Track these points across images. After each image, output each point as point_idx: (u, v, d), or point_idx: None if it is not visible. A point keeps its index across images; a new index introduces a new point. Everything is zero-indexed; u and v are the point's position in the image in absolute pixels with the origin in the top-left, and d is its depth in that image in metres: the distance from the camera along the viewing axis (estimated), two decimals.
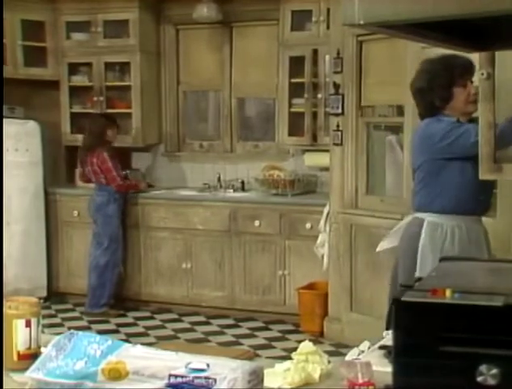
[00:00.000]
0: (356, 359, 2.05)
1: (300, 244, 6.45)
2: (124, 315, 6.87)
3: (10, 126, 7.17)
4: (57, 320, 6.67)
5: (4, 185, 7.02)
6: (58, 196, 7.41)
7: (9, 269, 6.94)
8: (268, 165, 7.05)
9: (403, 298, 1.48)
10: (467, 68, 3.65)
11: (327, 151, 6.21)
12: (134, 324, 6.63)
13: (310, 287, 6.29)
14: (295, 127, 6.84)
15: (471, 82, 3.70)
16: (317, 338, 5.97)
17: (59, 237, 7.42)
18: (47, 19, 7.41)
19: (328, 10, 6.26)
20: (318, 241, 6.14)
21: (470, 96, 3.68)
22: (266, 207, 6.53)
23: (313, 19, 6.56)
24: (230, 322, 6.60)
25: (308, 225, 6.40)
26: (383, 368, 1.86)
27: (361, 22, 1.66)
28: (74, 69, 7.55)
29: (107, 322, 6.66)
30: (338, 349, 5.68)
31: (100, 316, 6.73)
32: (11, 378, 1.97)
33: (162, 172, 7.71)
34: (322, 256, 6.13)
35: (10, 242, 7.12)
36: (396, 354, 1.50)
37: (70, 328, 6.08)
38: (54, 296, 7.29)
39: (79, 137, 7.33)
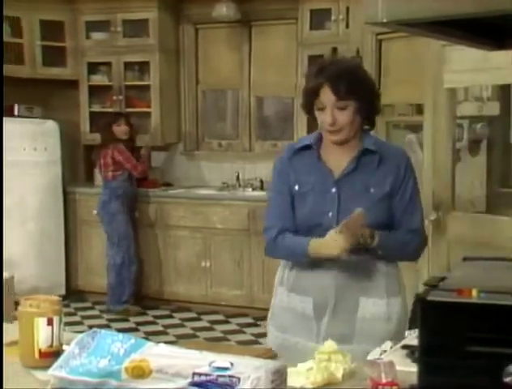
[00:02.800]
0: (378, 359, 2.03)
1: None
2: (143, 314, 6.89)
3: (28, 126, 7.20)
4: (76, 318, 6.70)
5: (19, 184, 7.07)
6: (77, 195, 7.44)
7: (26, 267, 6.97)
8: None
9: (428, 298, 1.47)
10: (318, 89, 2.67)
11: None
12: (154, 323, 6.64)
13: None
14: (313, 126, 6.78)
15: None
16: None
17: (77, 235, 7.45)
18: (66, 19, 7.44)
19: (347, 8, 6.25)
20: None
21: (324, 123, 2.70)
22: None
23: (333, 17, 6.54)
24: (249, 320, 6.61)
25: None
26: (406, 368, 1.85)
27: (384, 20, 1.66)
28: (93, 68, 7.58)
29: (126, 320, 6.68)
30: None
31: (121, 314, 6.75)
32: (33, 376, 1.97)
33: (181, 171, 7.73)
34: None
35: (27, 241, 7.16)
36: (422, 354, 1.49)
37: (89, 326, 6.11)
38: (73, 294, 7.32)
39: (98, 136, 7.35)
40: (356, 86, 2.66)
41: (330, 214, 2.67)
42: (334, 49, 6.57)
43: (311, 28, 6.70)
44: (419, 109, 5.58)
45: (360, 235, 2.58)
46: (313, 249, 2.64)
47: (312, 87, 2.69)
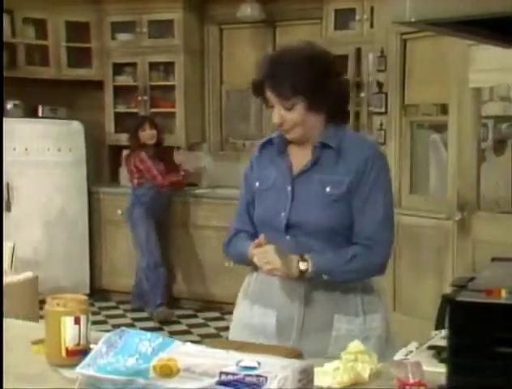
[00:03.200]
0: (404, 359, 2.03)
1: None
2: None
3: (52, 127, 7.25)
4: (100, 317, 6.73)
5: (44, 185, 7.12)
6: (102, 195, 7.48)
7: (51, 267, 7.02)
8: None
9: (457, 298, 1.46)
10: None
11: None
12: (177, 322, 6.66)
13: None
14: None
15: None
16: None
17: (102, 235, 7.49)
18: (92, 20, 7.49)
19: (372, 8, 6.23)
20: None
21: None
22: None
23: (357, 17, 6.53)
24: None
25: None
26: (433, 368, 1.85)
27: (412, 19, 1.65)
28: (118, 69, 7.61)
29: (150, 319, 6.69)
30: None
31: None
32: (60, 374, 1.99)
33: (205, 171, 7.74)
34: None
35: (52, 241, 7.21)
36: (450, 354, 1.48)
37: (113, 326, 6.14)
38: (97, 293, 7.35)
39: (123, 136, 7.38)
40: (301, 84, 2.39)
41: (283, 214, 2.47)
42: (358, 50, 6.57)
43: (335, 28, 6.69)
44: (443, 109, 5.55)
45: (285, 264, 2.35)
46: (250, 255, 2.47)
47: (254, 85, 2.50)
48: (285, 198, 2.48)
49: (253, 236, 2.55)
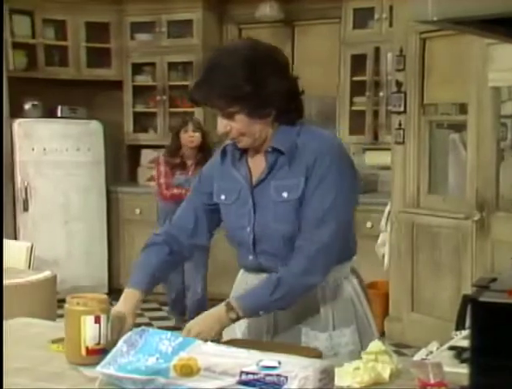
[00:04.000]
0: (424, 359, 2.02)
1: (360, 243, 6.32)
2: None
3: (71, 127, 7.28)
4: None
5: (63, 184, 7.15)
6: (120, 194, 7.50)
7: (70, 266, 7.05)
8: None
9: (480, 299, 1.45)
10: None
11: (388, 149, 6.16)
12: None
13: (371, 286, 6.22)
14: (356, 126, 6.80)
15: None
16: (378, 337, 5.93)
17: (121, 235, 7.51)
18: (112, 21, 7.52)
19: (391, 7, 6.21)
20: (379, 240, 6.10)
21: None
22: None
23: (376, 16, 6.52)
24: None
25: (368, 224, 6.36)
26: (454, 369, 1.84)
27: (434, 18, 1.65)
28: (137, 69, 7.64)
29: (168, 319, 6.70)
30: (399, 349, 5.63)
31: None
32: (81, 372, 1.99)
33: None
34: (383, 255, 6.08)
35: (71, 240, 7.24)
36: (473, 355, 1.48)
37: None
38: (115, 293, 7.36)
39: (141, 136, 7.41)
40: (234, 93, 2.18)
41: (248, 229, 2.33)
42: (377, 49, 6.55)
43: (354, 27, 6.69)
44: (462, 109, 5.52)
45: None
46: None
47: (189, 94, 2.32)
48: (248, 212, 2.33)
49: (179, 245, 2.46)
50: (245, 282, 2.45)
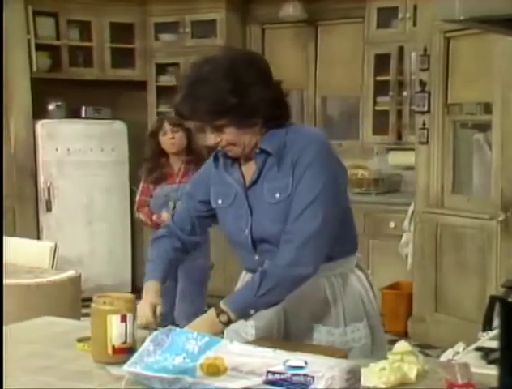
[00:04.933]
0: (450, 360, 2.01)
1: (383, 243, 6.38)
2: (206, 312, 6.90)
3: (95, 127, 7.31)
4: None
5: (86, 184, 7.18)
6: None
7: (93, 266, 7.08)
8: (352, 164, 7.00)
9: (510, 299, 1.45)
10: None
11: (412, 149, 6.14)
12: None
13: (394, 287, 6.23)
14: (379, 126, 6.78)
15: None
16: (401, 338, 5.90)
17: (144, 234, 7.52)
18: (136, 21, 7.55)
19: (415, 6, 6.18)
20: (403, 240, 6.08)
21: None
22: (350, 206, 6.47)
23: (400, 15, 6.49)
24: None
25: (392, 224, 6.34)
26: (481, 370, 1.83)
27: (461, 18, 1.64)
28: (161, 69, 7.66)
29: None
30: (423, 350, 5.61)
31: None
32: (107, 371, 2.00)
33: None
34: (406, 256, 6.07)
35: (94, 240, 7.27)
36: (503, 356, 1.47)
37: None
38: (139, 292, 7.37)
39: None
40: (218, 106, 2.17)
41: (246, 231, 2.34)
42: (401, 48, 6.53)
43: (378, 27, 6.66)
44: (487, 108, 5.49)
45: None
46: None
47: (175, 110, 2.32)
48: (245, 214, 2.34)
49: (180, 240, 2.51)
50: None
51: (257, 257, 2.36)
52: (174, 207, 4.63)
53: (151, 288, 2.47)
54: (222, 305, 2.22)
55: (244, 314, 2.23)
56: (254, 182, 2.32)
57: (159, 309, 2.37)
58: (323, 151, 2.27)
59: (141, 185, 5.16)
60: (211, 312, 2.23)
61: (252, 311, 2.22)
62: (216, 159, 2.43)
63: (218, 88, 2.16)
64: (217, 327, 2.21)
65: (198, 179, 2.55)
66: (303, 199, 2.21)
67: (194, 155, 4.90)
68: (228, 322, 2.22)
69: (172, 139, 4.92)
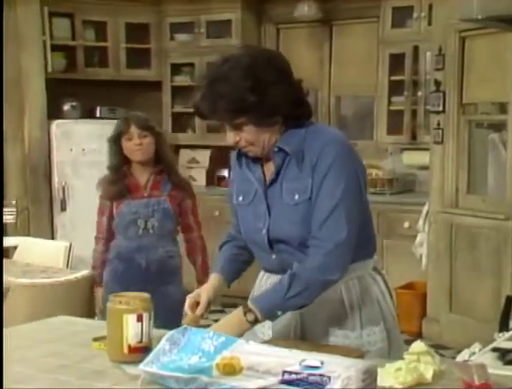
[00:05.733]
0: (466, 361, 2.01)
1: (397, 243, 6.37)
2: (222, 311, 6.91)
3: (110, 127, 7.23)
4: None
5: None
6: None
7: None
8: (366, 164, 6.90)
9: None
10: None
11: (426, 149, 6.13)
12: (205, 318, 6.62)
13: (408, 287, 6.22)
14: (394, 125, 6.77)
15: None
16: (415, 338, 5.89)
17: None
18: (151, 21, 7.58)
19: (430, 5, 6.17)
20: (417, 240, 6.07)
21: None
22: None
23: (415, 15, 6.48)
24: None
25: (406, 224, 6.33)
26: (498, 370, 1.82)
27: (479, 17, 1.64)
28: (176, 69, 7.69)
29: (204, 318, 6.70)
30: (437, 350, 5.59)
31: None
32: (123, 370, 2.01)
33: None
34: (421, 256, 6.05)
35: None
36: None
37: None
38: None
39: (180, 136, 7.43)
40: (237, 105, 2.16)
41: (263, 232, 2.33)
42: (416, 48, 6.51)
43: (393, 26, 6.65)
44: (502, 108, 5.49)
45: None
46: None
47: (195, 109, 2.29)
48: (263, 214, 2.33)
49: (241, 248, 2.51)
50: (265, 283, 2.45)
51: (274, 256, 2.35)
52: (145, 227, 3.92)
53: (209, 281, 2.49)
54: (250, 304, 2.21)
55: (271, 315, 2.22)
56: (273, 181, 2.30)
57: (202, 299, 2.40)
58: (343, 151, 2.25)
59: (98, 202, 4.16)
60: (239, 310, 2.22)
61: (279, 312, 2.21)
62: (240, 156, 2.41)
63: (237, 86, 2.14)
64: (244, 325, 2.21)
65: (231, 177, 2.56)
66: (326, 204, 2.20)
67: (163, 164, 4.00)
68: (255, 322, 2.21)
69: (139, 146, 3.92)
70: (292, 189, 2.26)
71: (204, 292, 2.42)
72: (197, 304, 2.40)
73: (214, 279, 2.47)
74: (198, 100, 2.23)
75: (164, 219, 3.94)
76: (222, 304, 6.95)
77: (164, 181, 4.00)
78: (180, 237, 4.16)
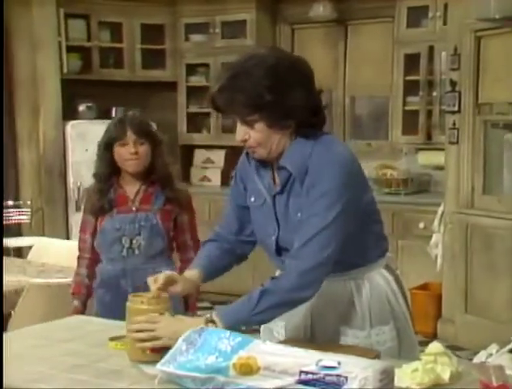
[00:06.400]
0: (484, 362, 2.00)
1: (412, 244, 6.35)
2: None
3: None
4: None
5: None
6: None
7: None
8: (381, 164, 6.98)
9: None
10: None
11: (442, 149, 6.11)
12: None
13: (423, 287, 6.20)
14: (409, 125, 6.75)
15: None
16: (431, 339, 5.87)
17: None
18: (166, 22, 7.59)
19: (445, 5, 6.13)
20: (432, 241, 6.04)
21: None
22: (379, 206, 6.42)
23: (430, 14, 6.44)
24: None
25: (421, 225, 6.31)
26: None
27: (496, 16, 1.64)
28: (191, 70, 7.69)
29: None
30: (452, 351, 5.55)
31: None
32: (140, 370, 2.01)
33: None
34: (436, 256, 6.03)
35: None
36: None
37: None
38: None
39: (195, 136, 7.43)
40: (254, 100, 2.15)
41: (273, 238, 2.31)
42: (431, 48, 6.49)
43: (408, 26, 6.62)
44: None
45: None
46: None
47: (210, 99, 2.26)
48: (273, 221, 2.31)
49: (224, 251, 2.47)
50: None
51: (282, 260, 2.33)
52: (130, 246, 3.39)
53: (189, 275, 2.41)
54: (214, 315, 2.13)
55: (233, 329, 2.06)
56: (280, 193, 2.29)
57: (174, 288, 2.29)
58: (345, 173, 2.20)
59: (82, 218, 3.58)
60: (201, 319, 2.13)
61: (243, 327, 2.12)
62: (248, 154, 2.38)
63: (257, 83, 2.14)
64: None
65: (239, 173, 2.49)
66: (316, 223, 2.16)
67: (158, 174, 3.46)
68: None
69: (134, 155, 3.37)
70: (297, 206, 2.24)
71: (179, 284, 2.32)
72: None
73: (191, 273, 2.42)
74: (216, 91, 2.21)
75: (151, 237, 3.39)
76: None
77: (157, 193, 3.45)
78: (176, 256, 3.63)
